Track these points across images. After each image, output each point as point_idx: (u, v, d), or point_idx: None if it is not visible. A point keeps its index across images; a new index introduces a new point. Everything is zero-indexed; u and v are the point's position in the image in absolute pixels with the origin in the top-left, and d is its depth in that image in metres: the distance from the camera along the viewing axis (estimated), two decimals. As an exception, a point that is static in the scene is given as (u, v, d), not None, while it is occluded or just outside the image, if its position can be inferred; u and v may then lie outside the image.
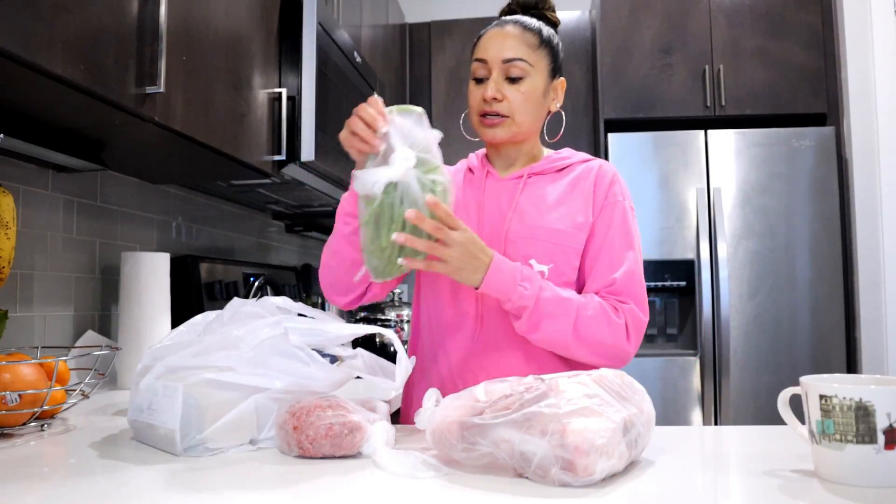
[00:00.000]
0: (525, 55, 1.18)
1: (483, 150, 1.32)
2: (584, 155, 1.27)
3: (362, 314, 2.78)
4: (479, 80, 1.21)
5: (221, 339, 0.94)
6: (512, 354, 1.15)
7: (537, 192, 1.22)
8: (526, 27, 1.20)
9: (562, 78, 1.26)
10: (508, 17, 1.24)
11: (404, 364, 0.93)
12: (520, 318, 1.09)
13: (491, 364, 1.15)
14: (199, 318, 1.07)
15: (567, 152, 1.28)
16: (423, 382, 1.21)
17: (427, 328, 1.25)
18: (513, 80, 1.18)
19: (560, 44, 1.26)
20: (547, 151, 1.30)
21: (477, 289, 1.07)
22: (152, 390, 0.91)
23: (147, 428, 0.92)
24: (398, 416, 1.32)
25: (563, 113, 1.30)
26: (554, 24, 1.27)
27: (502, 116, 1.18)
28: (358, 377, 0.99)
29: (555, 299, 1.09)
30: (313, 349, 0.95)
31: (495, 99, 1.17)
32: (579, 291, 1.18)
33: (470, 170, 1.30)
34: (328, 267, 1.19)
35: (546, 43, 1.21)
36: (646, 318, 1.15)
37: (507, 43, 1.18)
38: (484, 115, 1.19)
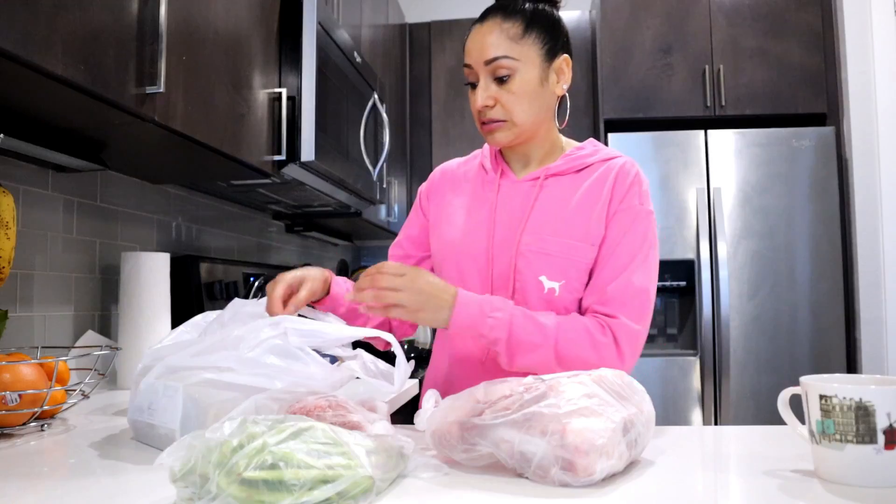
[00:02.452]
0: (507, 51, 1.08)
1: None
2: (606, 151, 1.17)
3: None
4: (473, 86, 1.13)
5: (221, 340, 0.94)
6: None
7: (554, 198, 1.13)
8: (507, 15, 1.10)
9: (565, 55, 1.14)
10: (491, 6, 1.14)
11: (403, 367, 0.93)
12: (497, 353, 1.03)
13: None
14: (199, 318, 1.07)
15: (589, 147, 1.18)
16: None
17: (441, 353, 1.23)
18: (501, 81, 1.09)
19: (559, 19, 1.14)
20: (567, 144, 1.21)
21: (447, 329, 1.01)
22: (152, 390, 0.91)
23: (147, 428, 0.92)
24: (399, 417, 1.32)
25: (567, 96, 1.18)
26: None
27: (500, 121, 1.11)
28: (357, 377, 0.99)
29: (530, 326, 1.01)
30: (313, 349, 0.95)
31: (487, 106, 1.10)
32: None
33: (483, 167, 1.22)
34: None
35: (534, 25, 1.10)
36: (640, 327, 1.06)
37: (486, 41, 1.09)
38: (483, 122, 1.13)
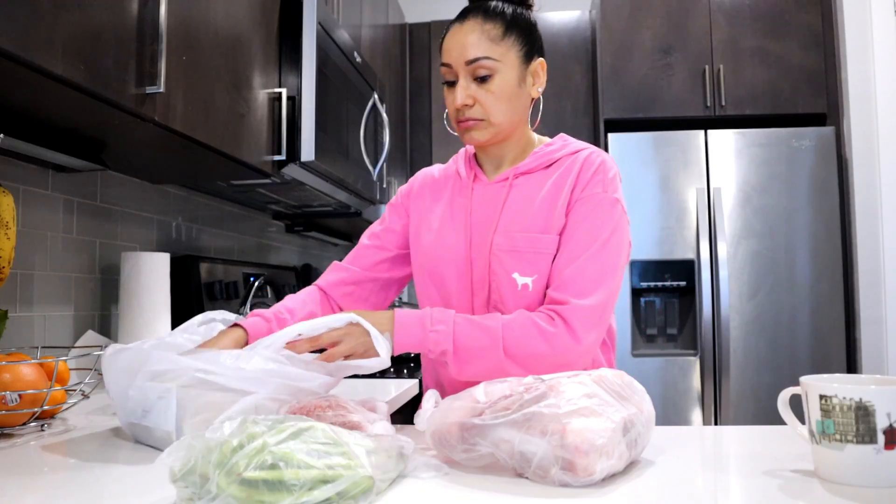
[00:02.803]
0: (488, 51, 1.09)
1: (471, 149, 1.26)
2: (575, 144, 1.18)
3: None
4: (451, 84, 1.13)
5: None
6: None
7: (523, 195, 1.14)
8: (487, 16, 1.11)
9: (541, 59, 1.16)
10: (470, 6, 1.14)
11: (382, 341, 0.94)
12: (447, 364, 1.03)
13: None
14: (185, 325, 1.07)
15: (558, 142, 1.19)
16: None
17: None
18: (481, 80, 1.10)
19: (535, 21, 1.16)
20: (539, 141, 1.22)
21: (393, 353, 0.99)
22: (143, 394, 0.90)
23: (143, 430, 0.92)
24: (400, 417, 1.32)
25: (541, 98, 1.20)
26: (526, 2, 1.17)
27: (477, 120, 1.12)
28: (353, 376, 0.99)
29: (475, 332, 1.02)
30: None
31: (466, 105, 1.11)
32: None
33: (458, 173, 1.24)
34: None
35: (513, 27, 1.11)
36: (590, 301, 1.03)
37: (467, 41, 1.09)
38: (459, 121, 1.14)
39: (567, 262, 1.07)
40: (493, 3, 1.13)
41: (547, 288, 1.10)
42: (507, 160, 1.20)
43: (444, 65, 1.13)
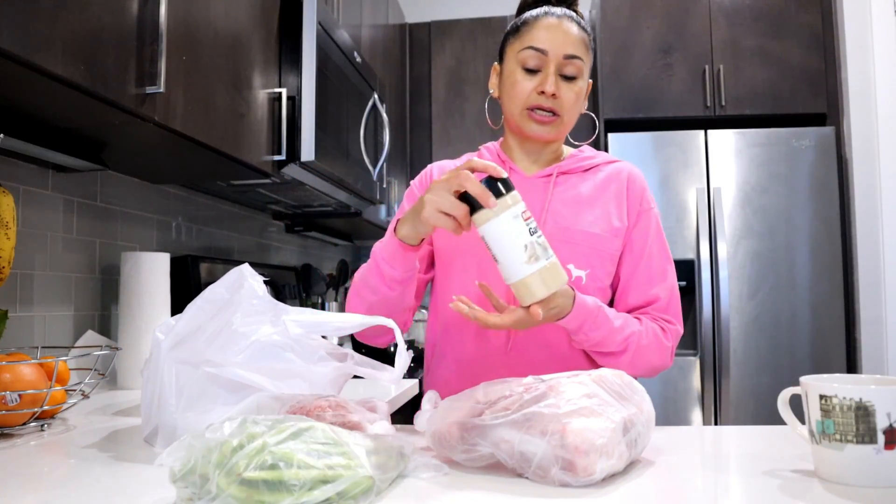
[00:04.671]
0: (582, 54, 1.13)
1: (496, 144, 1.26)
2: (608, 155, 1.24)
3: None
4: (531, 71, 1.13)
5: (218, 331, 0.93)
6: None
7: (569, 193, 1.17)
8: (581, 24, 1.15)
9: (590, 80, 1.21)
10: (559, 10, 1.16)
11: (404, 355, 0.93)
12: (580, 342, 1.10)
13: None
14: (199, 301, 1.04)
15: (590, 151, 1.24)
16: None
17: (447, 352, 1.20)
18: (568, 79, 1.13)
19: None
20: (567, 149, 1.26)
21: (565, 325, 1.05)
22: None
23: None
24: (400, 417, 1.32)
25: (593, 115, 1.31)
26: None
27: (555, 115, 1.13)
28: (357, 376, 0.99)
29: (616, 335, 1.08)
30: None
31: (553, 95, 1.11)
32: (612, 298, 1.18)
33: None
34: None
35: (591, 43, 1.18)
36: (682, 332, 1.17)
37: (569, 38, 1.12)
38: (533, 108, 1.13)
39: (651, 281, 1.16)
40: (580, 16, 1.18)
41: (615, 291, 1.18)
42: (544, 159, 1.22)
43: (534, 49, 1.12)
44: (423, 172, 1.29)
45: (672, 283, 1.17)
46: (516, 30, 1.17)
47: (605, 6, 3.10)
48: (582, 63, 1.13)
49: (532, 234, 0.91)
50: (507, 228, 0.91)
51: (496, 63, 1.23)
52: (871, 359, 2.74)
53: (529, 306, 0.96)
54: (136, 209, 1.86)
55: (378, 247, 1.08)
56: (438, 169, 1.28)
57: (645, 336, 1.10)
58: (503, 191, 0.91)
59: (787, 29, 2.99)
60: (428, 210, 0.94)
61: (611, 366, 1.05)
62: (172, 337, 0.91)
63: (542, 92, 1.11)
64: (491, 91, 1.23)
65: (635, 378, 0.92)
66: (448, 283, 1.20)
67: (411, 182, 1.29)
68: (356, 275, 1.14)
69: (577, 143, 1.28)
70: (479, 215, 0.92)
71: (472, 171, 0.93)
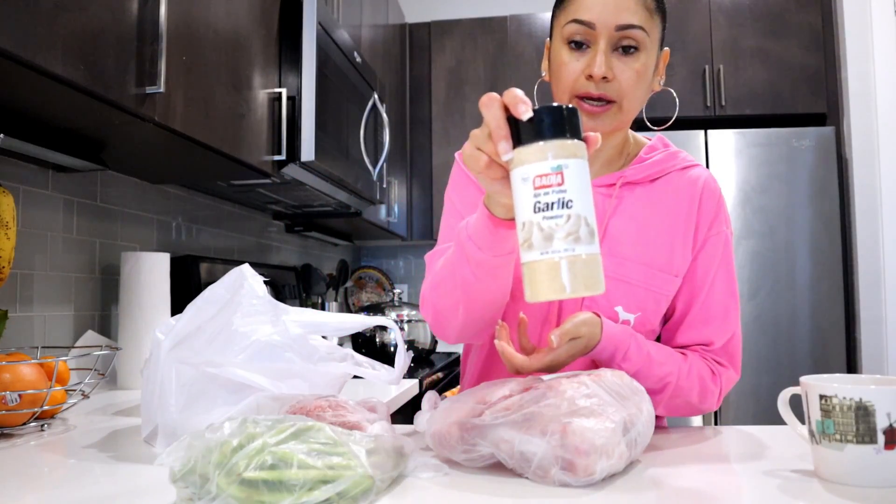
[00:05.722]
0: (643, 21, 0.90)
1: None
2: (682, 157, 1.03)
3: (362, 314, 2.78)
4: (579, 46, 0.92)
5: (218, 331, 0.93)
6: None
7: (631, 213, 0.99)
8: None
9: (666, 48, 0.99)
10: None
11: (403, 357, 0.93)
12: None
13: None
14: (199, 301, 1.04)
15: (660, 147, 1.04)
16: None
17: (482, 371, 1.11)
18: (625, 53, 0.91)
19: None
20: (634, 141, 1.06)
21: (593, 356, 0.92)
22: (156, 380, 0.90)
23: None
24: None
25: (673, 92, 1.04)
26: None
27: (609, 102, 0.93)
28: (357, 377, 0.99)
29: (653, 379, 0.94)
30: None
31: (605, 78, 0.91)
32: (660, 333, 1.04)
33: None
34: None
35: (662, 3, 0.94)
36: (737, 378, 1.02)
37: (623, 3, 0.90)
38: (583, 97, 0.93)
39: (708, 319, 1.00)
40: None
41: (662, 323, 1.03)
42: (603, 158, 1.02)
43: (578, 22, 0.91)
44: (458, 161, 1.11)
45: (734, 327, 1.00)
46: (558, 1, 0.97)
47: (605, 6, 3.10)
48: (643, 33, 0.91)
49: (538, 210, 0.64)
50: (515, 191, 0.66)
51: (547, 40, 1.02)
52: (871, 359, 2.74)
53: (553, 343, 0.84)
54: (136, 209, 1.86)
55: (462, 226, 0.84)
56: None
57: (687, 376, 0.96)
58: (534, 136, 0.65)
59: (787, 29, 3.00)
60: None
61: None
62: (172, 337, 0.91)
63: (591, 76, 0.91)
64: (543, 74, 1.03)
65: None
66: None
67: (455, 155, 1.10)
68: (437, 269, 0.93)
69: (653, 127, 1.04)
70: (511, 159, 0.66)
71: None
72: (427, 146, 3.48)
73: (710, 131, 2.91)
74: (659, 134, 1.08)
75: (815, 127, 2.90)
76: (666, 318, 1.05)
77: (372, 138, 2.40)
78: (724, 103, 3.00)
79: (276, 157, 1.75)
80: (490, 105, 0.67)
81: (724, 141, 2.89)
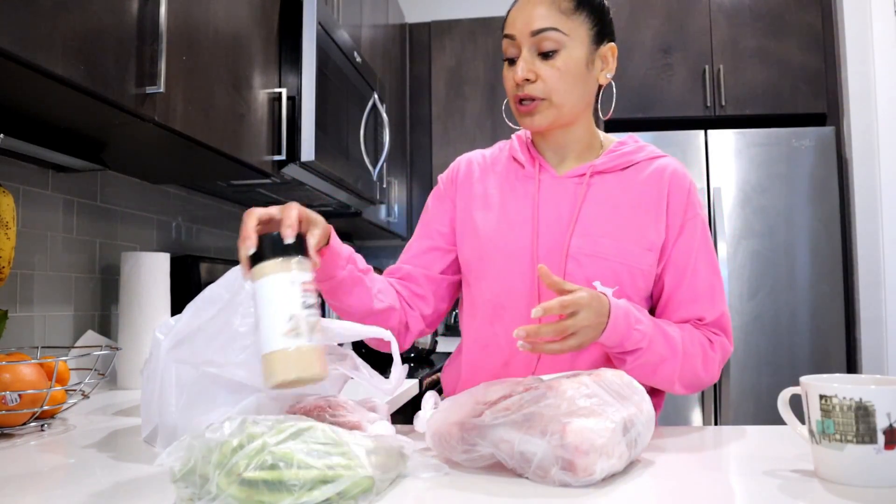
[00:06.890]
0: (557, 23, 1.01)
1: (527, 135, 1.16)
2: (650, 149, 1.12)
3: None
4: (512, 61, 1.05)
5: (218, 331, 0.93)
6: None
7: (602, 198, 1.07)
8: None
9: (611, 43, 1.09)
10: None
11: (398, 368, 0.93)
12: (625, 362, 0.98)
13: None
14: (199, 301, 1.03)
15: (630, 143, 1.13)
16: None
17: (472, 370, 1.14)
18: (546, 56, 1.02)
19: (607, 3, 1.09)
20: (606, 139, 1.15)
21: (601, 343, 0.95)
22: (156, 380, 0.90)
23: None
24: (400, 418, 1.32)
25: (612, 85, 1.13)
26: None
27: (538, 99, 1.03)
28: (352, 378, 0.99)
29: (662, 339, 0.98)
30: None
31: (527, 80, 1.02)
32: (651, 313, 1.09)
33: (515, 160, 1.14)
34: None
35: (585, 4, 1.04)
36: (732, 349, 1.08)
37: (535, 12, 1.02)
38: (520, 100, 1.05)
39: (696, 297, 1.06)
40: None
41: (653, 303, 1.10)
42: (573, 153, 1.12)
43: (506, 36, 1.05)
44: (450, 167, 1.22)
45: (720, 302, 1.07)
46: (503, 23, 1.09)
47: (605, 6, 3.10)
48: (558, 34, 1.02)
49: (305, 307, 0.78)
50: (280, 291, 0.78)
51: None
52: (871, 359, 2.74)
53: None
54: (136, 209, 1.86)
55: None
56: (466, 163, 1.20)
57: (691, 342, 1.02)
58: (293, 252, 0.80)
59: (786, 29, 2.99)
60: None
61: (663, 377, 1.00)
62: (172, 337, 0.91)
63: (518, 81, 1.04)
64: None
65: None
66: (464, 289, 1.16)
67: (439, 177, 1.23)
68: None
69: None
70: (260, 266, 0.79)
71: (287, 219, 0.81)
72: (427, 146, 3.48)
73: (710, 131, 2.91)
74: (630, 134, 1.18)
75: (815, 127, 2.90)
76: (655, 303, 1.11)
77: (372, 138, 2.40)
78: (724, 103, 3.00)
79: (276, 157, 1.75)
80: (250, 219, 0.81)
81: (724, 141, 2.89)
